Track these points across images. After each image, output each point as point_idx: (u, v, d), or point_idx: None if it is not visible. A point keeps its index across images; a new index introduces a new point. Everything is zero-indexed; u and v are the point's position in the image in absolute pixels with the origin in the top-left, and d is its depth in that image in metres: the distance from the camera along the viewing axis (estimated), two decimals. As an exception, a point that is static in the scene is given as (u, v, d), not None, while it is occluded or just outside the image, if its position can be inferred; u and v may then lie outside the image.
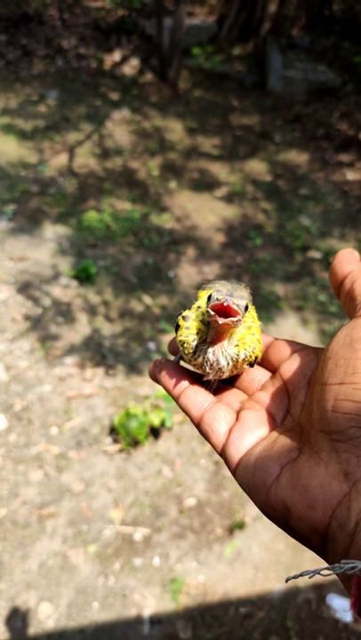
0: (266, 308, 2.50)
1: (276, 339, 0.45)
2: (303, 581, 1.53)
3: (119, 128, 3.97)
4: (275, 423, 0.39)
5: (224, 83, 4.97)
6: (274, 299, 2.57)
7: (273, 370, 0.44)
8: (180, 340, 0.43)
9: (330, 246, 2.97)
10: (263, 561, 1.57)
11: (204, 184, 3.47)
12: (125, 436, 1.77)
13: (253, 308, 0.46)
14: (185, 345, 0.43)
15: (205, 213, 3.16)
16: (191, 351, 0.42)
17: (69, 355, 2.10)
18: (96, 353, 2.13)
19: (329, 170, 3.80)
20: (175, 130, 4.10)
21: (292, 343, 0.44)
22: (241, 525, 1.63)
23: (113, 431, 1.84)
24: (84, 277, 2.47)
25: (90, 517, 1.61)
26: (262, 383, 0.44)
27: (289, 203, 3.37)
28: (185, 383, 0.43)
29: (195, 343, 0.42)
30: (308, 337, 2.35)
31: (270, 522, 0.34)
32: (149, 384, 2.02)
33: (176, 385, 0.43)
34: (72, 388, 1.97)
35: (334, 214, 3.30)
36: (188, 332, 0.43)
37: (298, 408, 0.38)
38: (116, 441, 1.82)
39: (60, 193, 3.12)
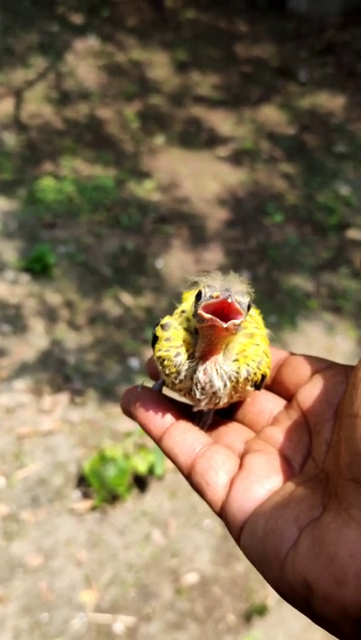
0: (290, 309, 2.53)
1: (293, 354, 0.46)
2: None
3: (84, 63, 3.98)
4: (291, 470, 0.40)
5: (228, 0, 5.01)
6: (301, 296, 2.59)
7: (288, 396, 0.45)
8: (159, 357, 0.44)
9: (376, 223, 3.01)
10: (292, 657, 1.58)
11: (202, 139, 3.49)
12: (100, 488, 1.78)
13: (258, 312, 0.48)
14: (165, 362, 0.43)
15: (204, 179, 3.19)
16: (174, 370, 0.43)
17: (20, 377, 2.11)
18: (57, 373, 2.14)
19: (373, 118, 3.84)
20: (161, 65, 4.12)
21: (313, 360, 0.45)
22: (261, 610, 1.63)
23: (82, 482, 1.84)
24: (38, 269, 2.49)
25: (52, 602, 1.61)
26: (274, 415, 0.45)
27: (320, 164, 3.40)
28: (169, 418, 0.44)
29: (179, 359, 0.43)
30: (348, 349, 2.38)
31: None
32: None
33: (157, 421, 0.44)
34: (24, 423, 1.98)
35: (382, 179, 3.35)
36: (170, 344, 0.44)
37: (322, 449, 0.39)
38: (86, 495, 1.83)
39: (3, 153, 3.14)
